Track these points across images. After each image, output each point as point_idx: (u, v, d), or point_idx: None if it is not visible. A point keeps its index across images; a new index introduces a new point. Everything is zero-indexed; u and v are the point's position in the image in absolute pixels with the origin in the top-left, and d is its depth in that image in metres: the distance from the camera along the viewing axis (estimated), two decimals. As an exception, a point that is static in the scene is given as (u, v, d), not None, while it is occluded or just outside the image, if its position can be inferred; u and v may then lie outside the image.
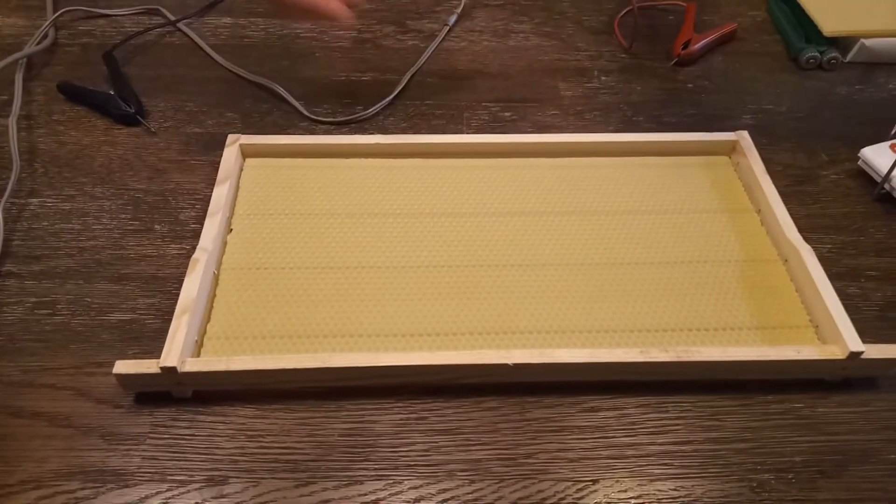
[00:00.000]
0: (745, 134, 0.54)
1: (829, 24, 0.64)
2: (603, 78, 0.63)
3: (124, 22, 0.66)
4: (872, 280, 0.48)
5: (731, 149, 0.54)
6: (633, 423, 0.40)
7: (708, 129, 0.56)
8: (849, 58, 0.64)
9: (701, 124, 0.58)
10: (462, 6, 0.68)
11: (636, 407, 0.41)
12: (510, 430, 0.40)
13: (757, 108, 0.60)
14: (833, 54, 0.63)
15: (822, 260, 0.45)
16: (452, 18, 0.67)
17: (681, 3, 0.69)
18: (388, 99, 0.59)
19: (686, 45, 0.63)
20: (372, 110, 0.58)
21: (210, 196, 0.50)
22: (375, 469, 0.38)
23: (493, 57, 0.65)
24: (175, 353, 0.39)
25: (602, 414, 0.41)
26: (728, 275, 0.46)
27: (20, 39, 0.64)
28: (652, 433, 0.40)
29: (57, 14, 0.65)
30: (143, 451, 0.39)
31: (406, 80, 0.61)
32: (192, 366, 0.39)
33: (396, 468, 0.38)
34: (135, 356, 0.42)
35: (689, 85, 0.62)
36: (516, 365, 0.39)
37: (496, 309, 0.44)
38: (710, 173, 0.53)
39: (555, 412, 0.41)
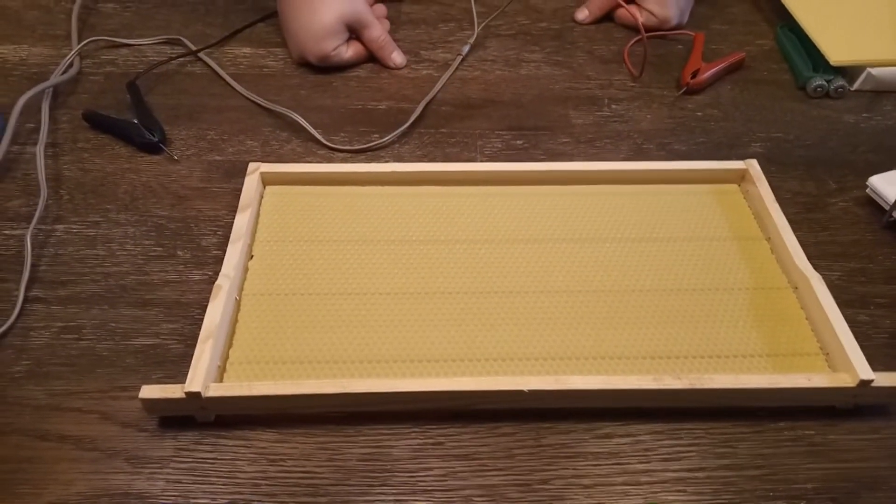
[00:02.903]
0: (754, 162, 0.55)
1: (836, 53, 0.65)
2: (613, 106, 0.64)
3: (146, 51, 0.68)
4: (882, 307, 0.48)
5: (741, 177, 0.55)
6: (646, 450, 0.41)
7: (717, 156, 0.57)
8: (855, 86, 0.65)
9: (710, 152, 0.59)
10: (475, 36, 0.70)
11: (649, 434, 0.42)
12: (525, 456, 0.41)
13: (765, 137, 0.61)
14: (840, 83, 0.65)
15: (832, 287, 0.46)
16: (465, 48, 0.69)
17: (689, 32, 0.70)
18: (403, 127, 0.60)
19: (695, 74, 0.65)
20: (388, 138, 0.60)
21: (231, 223, 0.51)
22: (394, 494, 0.39)
23: (506, 86, 0.66)
24: (199, 378, 0.40)
25: (616, 440, 0.41)
26: (738, 302, 0.47)
27: (46, 68, 0.66)
28: (665, 460, 0.41)
29: (82, 44, 0.67)
30: (167, 474, 0.40)
31: (421, 109, 0.62)
32: (215, 391, 0.40)
33: (414, 493, 0.39)
34: (158, 380, 0.43)
35: (698, 113, 0.63)
36: (531, 392, 0.40)
37: (510, 335, 0.45)
38: (720, 201, 0.54)
39: (569, 438, 0.41)
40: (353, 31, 0.66)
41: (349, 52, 0.65)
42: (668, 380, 0.41)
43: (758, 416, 0.42)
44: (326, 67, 0.66)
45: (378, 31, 0.66)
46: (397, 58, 0.67)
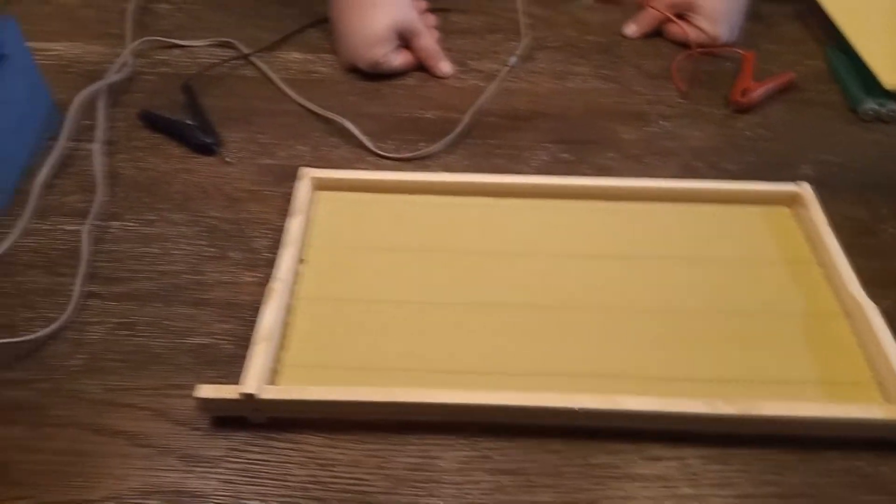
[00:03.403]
0: (806, 186, 0.54)
1: (891, 77, 0.64)
2: (661, 122, 0.64)
3: (199, 53, 0.69)
4: (936, 338, 0.48)
5: (792, 200, 0.55)
6: (695, 474, 0.41)
7: (767, 177, 0.57)
8: (909, 111, 0.65)
9: (760, 172, 0.59)
10: (522, 48, 0.70)
11: (698, 458, 0.41)
12: (573, 475, 0.41)
13: (816, 159, 0.61)
14: (894, 107, 0.64)
15: (886, 316, 0.45)
16: (513, 59, 0.69)
17: (739, 50, 0.70)
18: (450, 136, 0.61)
19: (745, 93, 0.64)
20: (435, 147, 0.60)
21: (281, 226, 0.52)
22: (441, 504, 0.39)
23: (553, 98, 0.66)
24: (254, 380, 0.41)
25: (664, 463, 0.41)
26: (790, 327, 0.47)
27: (101, 66, 0.67)
28: (714, 485, 0.40)
29: (136, 43, 0.68)
30: (219, 474, 0.40)
31: (468, 119, 0.62)
32: (269, 393, 0.41)
33: (461, 505, 0.39)
34: (211, 380, 0.43)
35: (748, 133, 0.63)
36: (582, 410, 0.40)
37: (558, 350, 0.45)
38: (771, 223, 0.54)
39: (618, 459, 0.41)
40: (404, 39, 0.66)
41: (398, 59, 0.66)
42: (721, 405, 0.41)
43: (808, 444, 0.42)
44: (375, 75, 0.66)
45: (428, 39, 0.67)
46: (445, 67, 0.67)
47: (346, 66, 0.67)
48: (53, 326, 0.46)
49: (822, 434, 0.42)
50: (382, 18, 0.64)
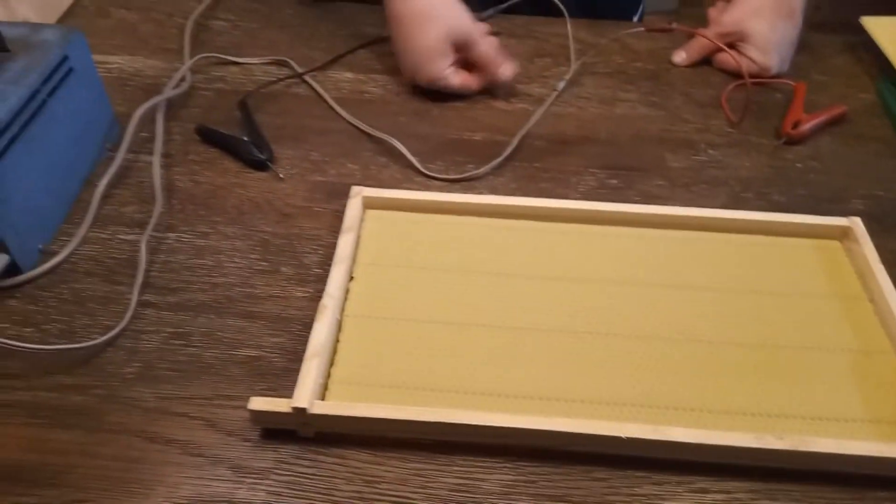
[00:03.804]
0: (858, 220, 0.54)
1: (945, 113, 0.63)
2: (710, 151, 0.64)
3: (254, 71, 0.71)
4: None
5: (844, 234, 0.54)
6: (741, 508, 0.41)
7: (817, 210, 0.56)
8: (963, 147, 0.64)
9: (810, 205, 0.58)
10: (571, 72, 0.71)
11: (745, 492, 0.41)
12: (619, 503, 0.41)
13: (867, 193, 0.60)
14: (947, 143, 0.63)
15: (939, 356, 0.45)
16: (561, 84, 0.70)
17: (789, 81, 0.70)
18: (499, 160, 0.61)
19: (796, 125, 0.64)
20: (483, 170, 0.61)
21: (331, 243, 0.53)
22: (486, 527, 0.40)
23: (601, 124, 0.67)
24: (305, 394, 0.41)
25: (711, 496, 0.41)
26: (840, 364, 0.46)
27: (159, 80, 0.69)
28: (761, 520, 0.40)
29: (193, 59, 0.70)
30: (268, 485, 0.41)
31: (516, 143, 0.63)
32: (320, 408, 0.41)
33: (505, 528, 0.40)
34: (261, 393, 0.44)
35: (798, 165, 0.63)
36: (629, 439, 0.40)
37: (604, 378, 0.45)
38: (821, 257, 0.53)
39: (663, 490, 0.41)
40: (461, 50, 0.66)
41: (457, 79, 0.67)
42: (770, 439, 0.40)
43: (858, 483, 0.41)
44: (426, 94, 0.67)
45: (485, 46, 0.66)
46: (507, 70, 0.67)
47: (408, 81, 0.68)
48: (110, 334, 0.47)
49: (871, 472, 0.41)
50: (437, 30, 0.64)
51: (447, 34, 0.64)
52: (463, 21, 0.66)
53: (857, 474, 0.42)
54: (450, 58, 0.66)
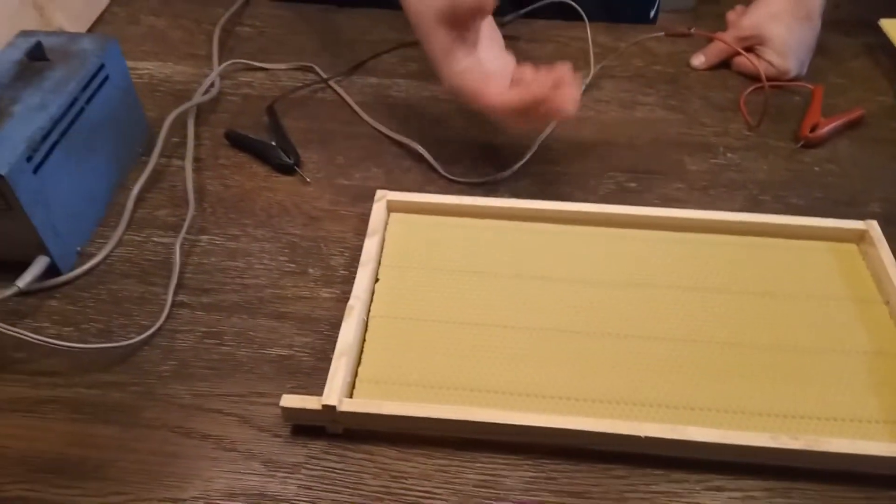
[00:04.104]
0: (874, 224, 0.54)
1: (964, 116, 0.64)
2: (729, 155, 0.65)
3: (280, 76, 0.72)
4: None
5: (860, 237, 0.55)
6: (757, 505, 0.42)
7: (834, 213, 0.57)
8: (983, 150, 0.64)
9: (827, 208, 0.59)
10: (591, 76, 0.72)
11: (761, 490, 0.42)
12: (637, 501, 0.42)
13: (884, 197, 0.61)
14: (966, 146, 0.63)
15: (955, 359, 0.45)
16: (581, 88, 0.71)
17: (807, 85, 0.70)
18: (519, 163, 0.63)
19: (814, 128, 0.65)
20: (504, 173, 0.62)
21: (356, 245, 0.55)
22: (508, 522, 0.41)
23: (620, 127, 0.68)
24: (335, 392, 0.43)
25: (727, 494, 0.42)
26: (856, 366, 0.47)
27: (188, 86, 0.71)
28: (777, 517, 0.41)
29: (222, 66, 0.72)
30: (299, 479, 0.43)
31: (536, 146, 0.64)
32: (348, 406, 0.43)
33: (527, 523, 0.41)
34: (291, 390, 0.46)
35: (816, 168, 0.63)
36: (648, 438, 0.42)
37: (623, 378, 0.47)
38: (838, 260, 0.54)
39: (681, 487, 0.42)
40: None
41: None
42: (785, 439, 0.41)
43: (872, 482, 0.42)
44: (453, 102, 0.66)
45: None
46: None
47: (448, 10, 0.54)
48: (147, 333, 0.50)
49: (884, 472, 0.42)
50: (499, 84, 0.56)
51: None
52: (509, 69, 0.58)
53: (871, 474, 0.43)
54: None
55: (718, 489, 0.42)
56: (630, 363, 0.47)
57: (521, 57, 0.74)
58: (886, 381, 0.46)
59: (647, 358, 0.48)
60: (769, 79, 0.69)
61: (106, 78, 0.58)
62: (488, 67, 0.57)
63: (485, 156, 0.64)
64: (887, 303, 0.51)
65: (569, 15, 0.74)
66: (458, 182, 0.62)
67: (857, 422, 0.44)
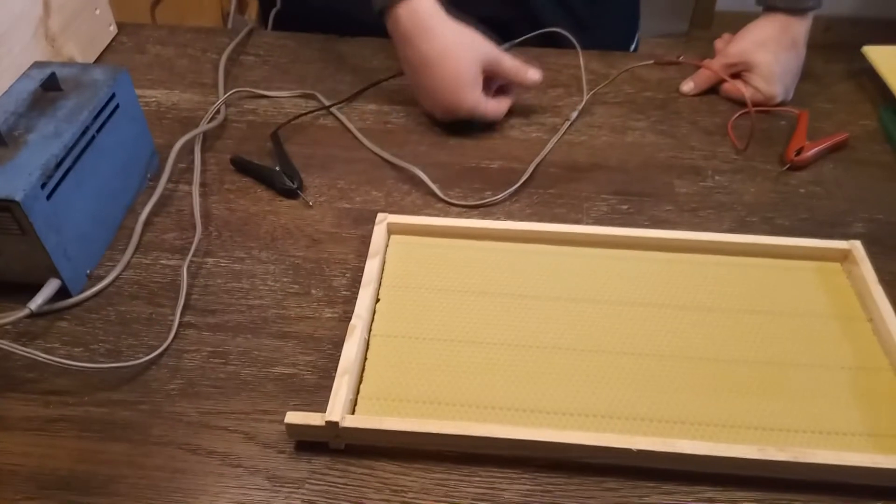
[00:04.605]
0: (857, 244, 0.56)
1: (944, 139, 0.66)
2: (717, 177, 0.67)
3: (284, 104, 0.75)
4: None
5: (844, 257, 0.57)
6: (746, 516, 0.43)
7: (819, 234, 0.59)
8: (962, 172, 0.66)
9: (813, 229, 0.61)
10: (584, 102, 0.74)
11: (750, 501, 0.44)
12: (629, 511, 0.43)
13: (868, 217, 0.63)
14: (946, 168, 0.66)
15: (936, 374, 0.47)
16: (574, 114, 0.73)
17: (793, 110, 0.73)
18: (514, 187, 0.65)
19: (799, 152, 0.67)
20: (500, 196, 0.64)
21: (358, 266, 0.57)
22: (505, 533, 0.43)
23: (612, 151, 0.70)
24: (337, 409, 0.45)
25: (717, 504, 0.44)
26: (840, 380, 0.49)
27: (195, 113, 0.73)
28: (765, 527, 0.43)
29: (227, 94, 0.74)
30: (303, 494, 0.44)
31: (531, 170, 0.66)
32: (351, 422, 0.45)
33: (524, 535, 0.43)
34: (295, 407, 0.48)
35: (802, 190, 0.65)
36: (640, 451, 0.43)
37: (616, 394, 0.48)
38: (823, 279, 0.56)
39: (672, 499, 0.44)
40: (488, 71, 0.68)
41: (490, 105, 0.69)
42: (772, 451, 0.43)
43: (855, 492, 0.44)
44: (446, 126, 0.71)
45: (509, 60, 0.69)
46: (534, 75, 0.70)
47: (444, 116, 0.69)
48: (154, 353, 0.51)
49: (869, 483, 0.44)
50: (467, 58, 0.67)
51: (476, 59, 0.67)
52: (485, 43, 0.68)
53: (855, 484, 0.44)
54: (480, 84, 0.68)
55: (709, 500, 0.44)
56: (623, 379, 0.49)
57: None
58: (869, 395, 0.48)
59: (639, 374, 0.49)
60: (756, 104, 0.72)
61: (116, 107, 0.60)
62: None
63: (481, 179, 0.66)
64: (870, 320, 0.53)
65: (560, 43, 0.77)
66: (456, 205, 0.64)
67: (842, 434, 0.46)
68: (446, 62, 0.67)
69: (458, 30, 0.68)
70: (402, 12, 0.67)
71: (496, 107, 0.71)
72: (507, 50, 0.78)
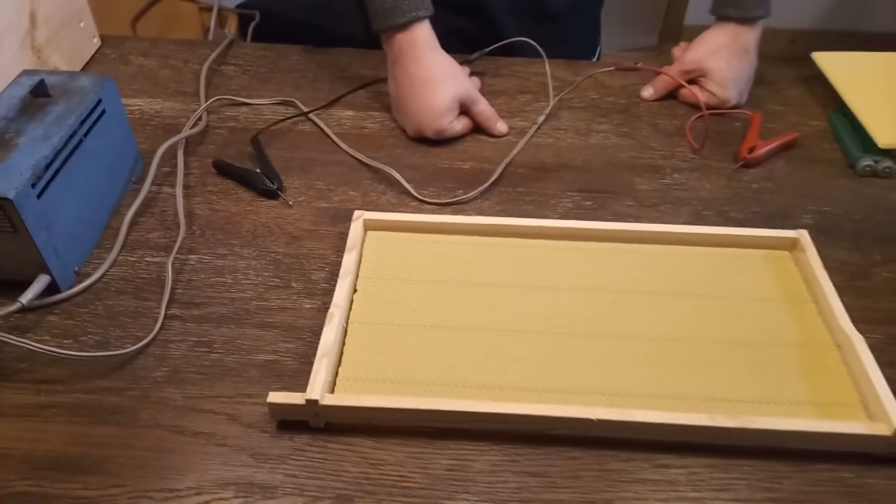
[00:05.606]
0: (804, 232, 0.60)
1: (884, 137, 0.71)
2: (675, 175, 0.71)
3: (263, 110, 0.78)
4: (921, 370, 0.53)
5: (792, 245, 0.61)
6: (700, 481, 0.46)
7: (770, 226, 0.63)
8: (903, 167, 0.71)
9: (764, 221, 0.65)
10: (550, 107, 0.78)
11: (703, 466, 0.47)
12: (591, 478, 0.47)
13: (816, 210, 0.67)
14: (887, 164, 0.70)
15: (873, 349, 0.51)
16: (541, 118, 0.77)
17: (747, 112, 0.77)
18: (485, 185, 0.68)
19: (751, 150, 0.71)
20: (471, 194, 0.68)
21: (336, 261, 0.59)
22: (475, 500, 0.45)
23: (577, 152, 0.74)
24: (317, 388, 0.47)
25: (673, 470, 0.47)
26: (786, 356, 0.53)
27: (178, 121, 0.76)
28: (717, 490, 0.46)
29: (209, 101, 0.77)
30: (285, 469, 0.47)
31: (500, 170, 0.70)
32: (329, 400, 0.47)
33: (492, 501, 0.45)
34: (277, 391, 0.50)
35: (754, 185, 0.70)
36: (600, 420, 0.46)
37: (579, 371, 0.51)
38: (772, 266, 0.60)
39: (630, 465, 0.47)
40: (463, 107, 0.74)
41: (459, 125, 0.74)
42: (721, 418, 0.46)
43: (801, 457, 0.47)
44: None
45: (484, 105, 0.74)
46: (502, 127, 0.75)
47: (414, 135, 0.74)
48: (141, 343, 0.54)
49: (813, 447, 0.47)
50: (447, 92, 0.72)
51: (456, 94, 0.72)
52: (466, 83, 0.74)
53: (802, 449, 0.48)
54: (455, 115, 0.73)
55: (665, 467, 0.47)
56: (585, 358, 0.52)
57: (488, 90, 0.81)
58: (812, 368, 0.52)
59: (600, 353, 0.53)
60: (711, 108, 0.76)
61: (103, 112, 0.63)
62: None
63: (453, 179, 0.70)
64: (815, 302, 0.57)
65: (528, 52, 0.81)
66: (430, 203, 0.67)
67: (788, 404, 0.49)
68: (429, 89, 0.72)
69: (447, 62, 0.73)
70: (400, 36, 0.71)
71: (464, 126, 0.75)
72: (476, 59, 0.83)
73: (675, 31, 2.31)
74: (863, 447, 0.47)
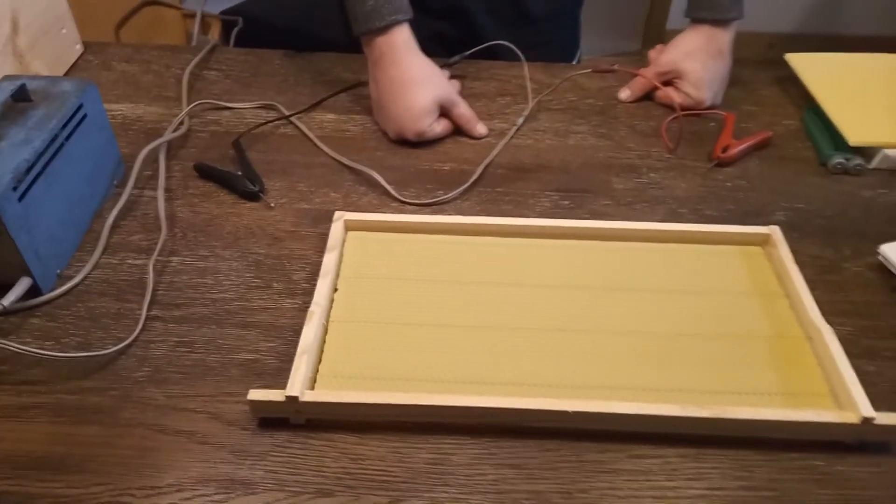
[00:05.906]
0: (776, 228, 0.62)
1: (855, 135, 0.72)
2: (651, 175, 0.72)
3: (245, 114, 0.79)
4: (889, 360, 0.54)
5: (765, 241, 0.62)
6: (673, 470, 0.47)
7: (744, 222, 0.64)
8: (872, 165, 0.73)
9: (738, 218, 0.66)
10: (529, 109, 0.79)
11: (676, 456, 0.48)
12: (568, 469, 0.47)
13: (788, 207, 0.68)
14: (858, 162, 0.72)
15: (843, 341, 0.52)
16: (520, 119, 0.78)
17: (721, 112, 0.79)
18: (465, 186, 0.69)
19: (725, 150, 0.73)
20: (451, 195, 0.68)
21: (317, 261, 0.60)
22: (454, 493, 0.46)
23: (555, 153, 0.75)
24: (297, 385, 0.48)
25: (647, 460, 0.48)
26: (758, 348, 0.54)
27: (160, 125, 0.77)
28: (690, 479, 0.47)
29: (191, 106, 0.78)
30: (265, 465, 0.47)
31: (480, 171, 0.71)
32: (309, 396, 0.48)
33: (471, 493, 0.46)
34: (258, 388, 0.51)
35: (728, 184, 0.71)
36: (575, 412, 0.47)
37: (556, 366, 0.52)
38: (745, 261, 0.61)
39: (606, 456, 0.48)
40: (443, 110, 0.75)
41: (439, 127, 0.75)
42: (693, 408, 0.47)
43: (773, 446, 0.49)
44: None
45: (464, 107, 0.76)
46: (482, 129, 0.76)
47: (395, 138, 0.75)
48: (123, 344, 0.54)
49: (784, 436, 0.49)
50: (427, 94, 0.73)
51: (436, 97, 0.73)
52: (447, 86, 0.75)
53: (773, 438, 0.49)
54: (434, 117, 0.74)
55: (640, 457, 0.48)
56: (562, 353, 0.53)
57: (468, 92, 0.82)
58: (783, 359, 0.53)
59: (576, 348, 0.53)
60: (686, 109, 0.78)
61: (84, 116, 0.63)
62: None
63: (434, 180, 0.71)
64: (787, 295, 0.58)
65: (507, 56, 0.82)
66: (410, 204, 0.68)
67: (760, 394, 0.50)
68: (409, 93, 0.72)
69: (427, 65, 0.74)
70: (380, 40, 0.72)
71: (445, 128, 0.76)
72: (457, 62, 0.84)
73: (657, 35, 2.33)
74: (832, 435, 0.48)
